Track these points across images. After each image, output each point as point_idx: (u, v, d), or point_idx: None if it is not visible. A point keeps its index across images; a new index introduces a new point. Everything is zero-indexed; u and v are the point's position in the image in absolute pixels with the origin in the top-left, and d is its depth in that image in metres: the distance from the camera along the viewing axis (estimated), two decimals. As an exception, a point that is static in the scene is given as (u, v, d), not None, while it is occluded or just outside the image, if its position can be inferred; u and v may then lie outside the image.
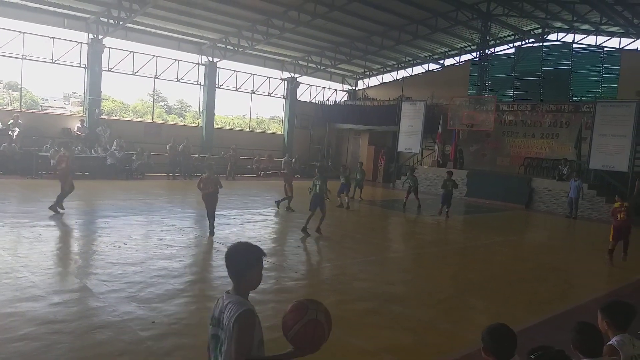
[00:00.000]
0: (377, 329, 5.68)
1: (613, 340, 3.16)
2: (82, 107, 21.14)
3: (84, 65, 20.03)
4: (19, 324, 4.98)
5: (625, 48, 21.32)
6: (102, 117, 20.81)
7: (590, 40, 22.40)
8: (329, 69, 28.10)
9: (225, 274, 6.85)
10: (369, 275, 8.11)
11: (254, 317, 2.45)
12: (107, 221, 10.63)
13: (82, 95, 20.94)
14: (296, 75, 27.55)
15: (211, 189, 9.93)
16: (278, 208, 14.19)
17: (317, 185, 10.95)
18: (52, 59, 19.19)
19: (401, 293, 7.24)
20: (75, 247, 8.47)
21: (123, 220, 10.79)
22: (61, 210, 10.91)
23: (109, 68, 20.72)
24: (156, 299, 6.02)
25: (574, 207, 17.70)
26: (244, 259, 2.56)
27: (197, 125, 24.88)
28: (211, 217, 10.08)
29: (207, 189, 9.92)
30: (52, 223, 9.89)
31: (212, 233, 9.98)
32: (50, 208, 10.78)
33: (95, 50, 19.81)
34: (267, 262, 8.76)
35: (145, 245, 8.79)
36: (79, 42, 19.81)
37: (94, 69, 19.90)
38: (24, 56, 18.58)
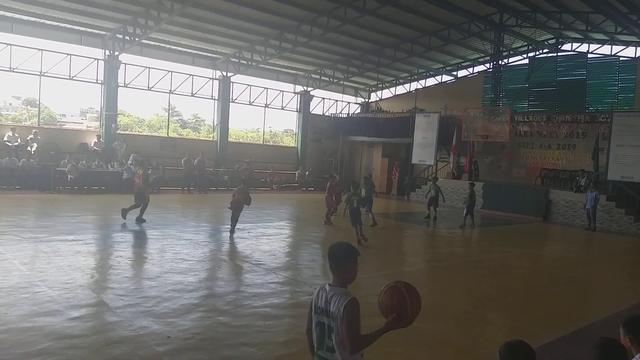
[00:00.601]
0: (391, 344, 5.60)
1: (637, 357, 3.08)
2: (98, 122, 21.48)
3: (100, 81, 20.38)
4: (37, 338, 5.02)
5: (641, 57, 21.10)
6: (118, 132, 21.10)
7: (606, 49, 22.18)
8: (341, 82, 28.23)
9: (240, 289, 6.90)
10: (383, 289, 8.03)
11: (358, 304, 2.93)
12: (122, 235, 10.73)
13: (99, 110, 21.28)
14: (309, 89, 27.70)
15: (239, 198, 11.79)
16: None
17: (355, 201, 11.86)
18: (69, 76, 19.56)
19: (416, 307, 7.14)
20: (91, 261, 8.54)
21: (138, 235, 10.88)
22: (138, 222, 12.25)
23: (124, 84, 21.05)
24: (172, 313, 6.03)
25: (592, 219, 17.41)
26: (345, 256, 3.04)
27: (211, 139, 25.09)
28: (234, 220, 11.75)
29: (236, 197, 11.82)
30: (70, 237, 10.00)
31: (232, 231, 11.64)
32: (137, 220, 12.23)
33: (111, 67, 20.16)
34: (281, 276, 8.80)
35: (161, 259, 8.84)
36: (95, 59, 20.19)
37: (110, 85, 20.24)
38: (42, 73, 18.96)
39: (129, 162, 19.63)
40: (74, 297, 6.40)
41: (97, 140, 20.02)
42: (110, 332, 5.34)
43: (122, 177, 19.11)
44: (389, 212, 20.05)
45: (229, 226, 11.86)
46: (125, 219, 12.23)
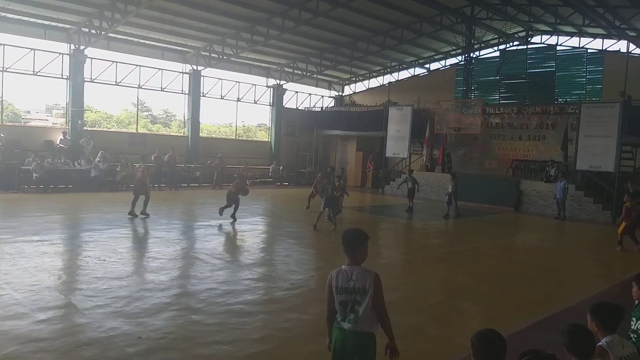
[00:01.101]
0: (369, 337, 5.59)
1: (603, 342, 3.16)
2: (64, 119, 20.87)
3: (65, 77, 19.81)
4: (2, 342, 4.83)
5: (608, 49, 21.59)
6: (85, 128, 20.59)
7: (574, 42, 22.67)
8: (314, 76, 28.12)
9: (212, 286, 6.74)
10: (359, 282, 8.01)
11: (379, 278, 3.40)
12: (91, 235, 10.44)
13: (65, 106, 20.67)
14: (282, 82, 27.51)
15: (233, 190, 13.27)
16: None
17: (329, 189, 13.12)
18: (33, 71, 18.94)
19: (391, 300, 7.07)
20: (59, 262, 8.27)
21: (108, 234, 10.60)
22: (143, 216, 12.84)
23: (91, 79, 20.51)
24: (143, 313, 5.87)
25: (561, 208, 17.81)
26: (358, 239, 3.48)
27: (182, 134, 24.70)
28: (233, 209, 13.11)
29: (230, 190, 13.33)
30: (35, 238, 9.68)
31: (234, 219, 13.00)
32: (140, 213, 12.83)
33: (77, 61, 19.60)
34: (255, 272, 8.69)
35: (131, 258, 8.63)
36: (60, 53, 19.60)
37: (76, 80, 19.68)
38: (5, 68, 18.32)
39: (97, 159, 19.16)
40: (40, 299, 6.18)
41: (63, 137, 19.47)
42: (79, 334, 5.17)
43: (89, 175, 18.66)
44: (364, 205, 20.09)
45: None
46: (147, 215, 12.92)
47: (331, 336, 3.50)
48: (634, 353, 3.25)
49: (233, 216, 13.12)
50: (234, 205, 13.17)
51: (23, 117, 23.68)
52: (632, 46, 20.28)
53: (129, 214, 12.75)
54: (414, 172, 19.31)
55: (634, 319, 4.02)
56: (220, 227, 12.37)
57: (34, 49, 18.91)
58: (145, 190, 12.91)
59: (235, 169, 24.32)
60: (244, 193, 13.51)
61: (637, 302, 4.12)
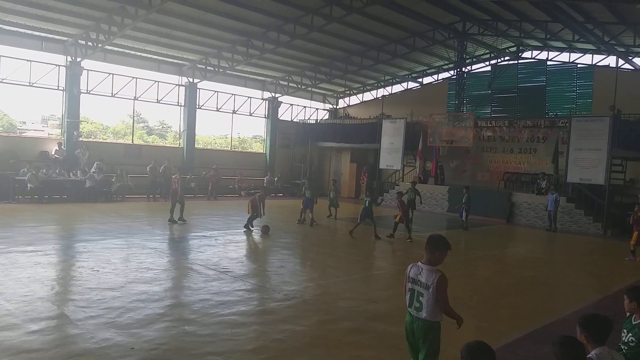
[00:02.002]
0: (360, 348, 5.65)
1: (592, 354, 3.19)
2: (60, 130, 20.90)
3: (62, 88, 19.87)
4: (-7, 354, 4.84)
5: (597, 64, 21.92)
6: (80, 139, 20.60)
7: (564, 57, 23.01)
8: (309, 89, 28.36)
9: (206, 297, 6.80)
10: (352, 293, 8.08)
11: (446, 278, 4.03)
12: (85, 245, 10.45)
13: (61, 117, 20.71)
14: (277, 95, 27.69)
15: (254, 201, 14.05)
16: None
17: (367, 201, 13.97)
18: (29, 82, 18.99)
19: (384, 311, 7.21)
20: (52, 272, 8.28)
21: (102, 244, 10.61)
22: (181, 222, 14.18)
23: (87, 90, 20.57)
24: (136, 324, 5.90)
25: (552, 220, 17.95)
26: (440, 245, 4.15)
27: (178, 146, 24.76)
28: (250, 219, 13.72)
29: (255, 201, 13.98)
30: (29, 248, 9.67)
31: (247, 227, 13.60)
32: (178, 219, 14.13)
33: (73, 73, 19.67)
34: (249, 283, 8.72)
35: (125, 269, 8.64)
36: (57, 65, 19.68)
37: (72, 92, 19.75)
38: (1, 79, 18.36)
39: (92, 170, 19.17)
40: (33, 309, 6.19)
41: (58, 148, 19.48)
42: (71, 345, 5.19)
43: (84, 186, 18.65)
44: (357, 217, 20.10)
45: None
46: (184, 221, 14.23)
47: None
48: None
49: (247, 226, 13.73)
50: (254, 214, 13.85)
51: (19, 127, 23.68)
52: (621, 61, 20.60)
53: (168, 220, 14.20)
54: (416, 184, 19.12)
55: (624, 330, 4.05)
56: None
57: (31, 61, 18.99)
58: (180, 198, 14.41)
59: (230, 180, 24.45)
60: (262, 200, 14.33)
61: (628, 314, 4.17)
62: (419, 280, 4.07)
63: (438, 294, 3.94)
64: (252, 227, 13.76)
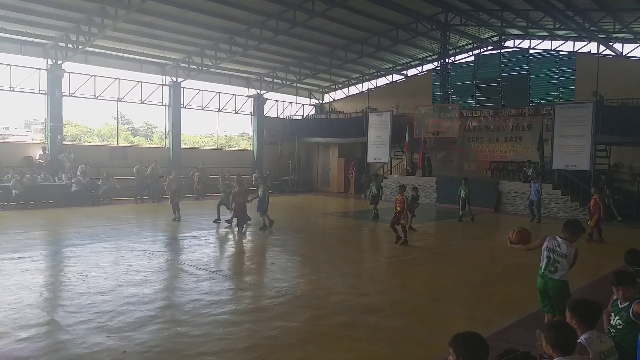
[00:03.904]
0: (354, 341, 5.67)
1: (582, 338, 3.25)
2: (44, 134, 20.63)
3: (43, 92, 19.60)
4: (-18, 363, 4.79)
5: (579, 51, 22.11)
6: (65, 143, 20.36)
7: (546, 45, 23.17)
8: (294, 84, 28.25)
9: (197, 297, 6.80)
10: (344, 288, 8.10)
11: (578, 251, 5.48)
12: (73, 250, 10.35)
13: (44, 121, 20.44)
14: (262, 92, 27.58)
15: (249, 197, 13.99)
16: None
17: (262, 192, 13.46)
18: (10, 87, 18.71)
19: (376, 303, 7.25)
20: (40, 279, 8.19)
21: (90, 248, 10.52)
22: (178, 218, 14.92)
23: (70, 93, 20.32)
24: (127, 327, 5.86)
25: (537, 211, 17.12)
26: (577, 228, 5.49)
27: (164, 146, 24.57)
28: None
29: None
30: (16, 255, 9.56)
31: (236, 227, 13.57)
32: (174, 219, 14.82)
33: (54, 76, 19.41)
34: (240, 281, 8.69)
35: (114, 272, 8.58)
36: (37, 68, 19.40)
37: (54, 95, 19.49)
38: (-19, 85, 18.08)
39: (78, 173, 18.96)
40: (21, 317, 6.12)
41: (42, 153, 19.24)
42: (62, 351, 5.15)
43: (70, 190, 18.45)
44: (348, 211, 20.21)
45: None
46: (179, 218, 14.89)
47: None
48: (612, 347, 3.38)
49: (232, 223, 13.83)
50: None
51: (1, 133, 23.31)
52: (602, 47, 20.81)
53: (173, 220, 14.80)
54: (399, 177, 19.24)
55: (612, 314, 4.15)
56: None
57: (10, 65, 18.69)
58: (179, 197, 15.40)
59: (217, 179, 24.27)
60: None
61: (614, 298, 4.23)
62: (556, 250, 5.37)
63: (572, 262, 5.35)
64: (228, 222, 14.03)
